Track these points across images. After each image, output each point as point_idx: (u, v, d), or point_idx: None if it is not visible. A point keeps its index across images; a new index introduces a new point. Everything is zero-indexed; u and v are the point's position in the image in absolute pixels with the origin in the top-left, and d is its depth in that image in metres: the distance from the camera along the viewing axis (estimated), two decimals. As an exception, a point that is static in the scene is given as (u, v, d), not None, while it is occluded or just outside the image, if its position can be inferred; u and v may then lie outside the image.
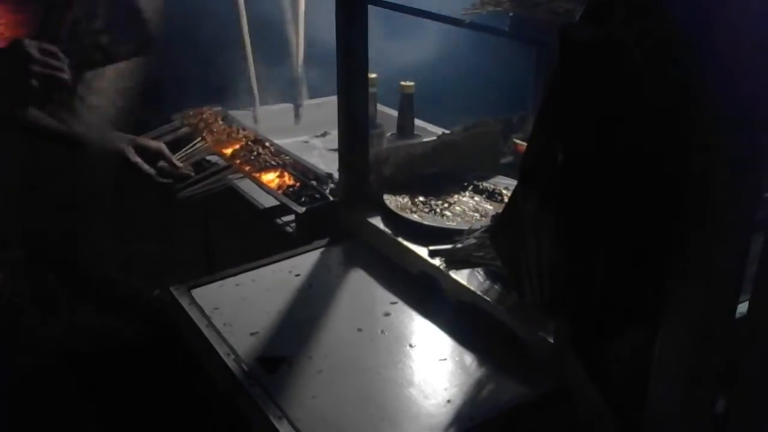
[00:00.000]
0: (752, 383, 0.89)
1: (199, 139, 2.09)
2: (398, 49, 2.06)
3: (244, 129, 2.18)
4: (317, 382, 1.17)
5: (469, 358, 1.22)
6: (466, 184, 1.69)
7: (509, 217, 0.99)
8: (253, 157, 2.00)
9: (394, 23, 1.95)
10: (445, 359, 1.22)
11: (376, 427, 1.08)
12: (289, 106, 2.54)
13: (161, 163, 1.89)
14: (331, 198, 1.76)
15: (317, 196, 1.79)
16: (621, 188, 0.81)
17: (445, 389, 1.15)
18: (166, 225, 2.17)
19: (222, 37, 2.37)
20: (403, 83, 1.99)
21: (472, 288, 1.29)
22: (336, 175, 1.79)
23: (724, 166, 0.78)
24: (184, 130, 2.15)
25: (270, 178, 1.93)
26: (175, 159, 1.93)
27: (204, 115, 2.23)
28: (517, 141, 1.84)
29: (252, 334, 1.29)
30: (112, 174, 1.88)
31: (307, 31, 2.44)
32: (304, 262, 1.54)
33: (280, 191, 1.84)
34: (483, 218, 1.54)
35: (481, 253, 1.33)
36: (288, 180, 1.90)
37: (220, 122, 2.21)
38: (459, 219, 1.55)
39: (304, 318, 1.34)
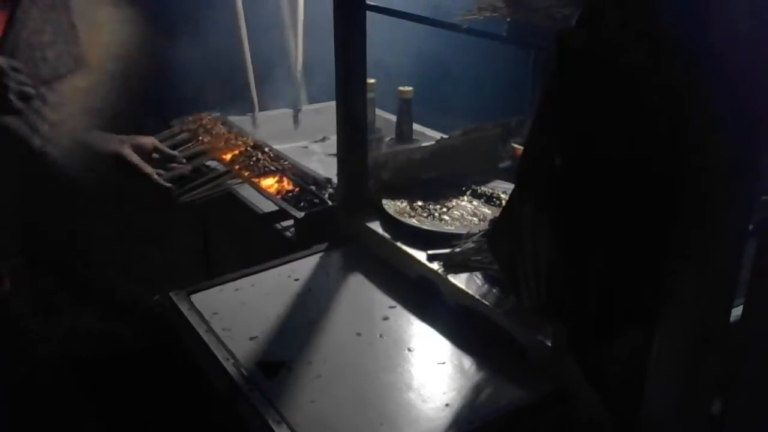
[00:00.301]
0: (748, 385, 0.89)
1: (198, 140, 2.10)
2: (396, 54, 2.07)
3: (243, 134, 2.19)
4: (316, 386, 1.17)
5: (467, 362, 1.23)
6: (464, 188, 1.70)
7: (506, 221, 0.99)
8: (252, 163, 2.00)
9: (393, 28, 1.96)
10: (444, 363, 1.23)
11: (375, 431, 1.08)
12: (288, 111, 2.54)
13: (155, 155, 1.90)
14: (330, 203, 1.77)
15: (316, 201, 1.79)
16: (617, 191, 0.82)
17: (444, 393, 1.15)
18: (166, 230, 2.17)
19: (221, 42, 2.38)
20: (401, 88, 1.99)
21: (470, 292, 1.30)
22: (335, 180, 1.79)
23: (720, 168, 0.79)
24: (183, 135, 2.15)
25: (269, 183, 1.93)
26: (167, 149, 1.94)
27: (203, 121, 2.24)
28: (516, 145, 1.84)
29: (251, 338, 1.29)
30: (111, 178, 1.88)
31: (306, 37, 2.45)
32: (303, 266, 1.54)
33: (279, 196, 1.84)
34: (481, 222, 1.54)
35: (480, 257, 1.34)
36: (287, 185, 1.91)
37: (220, 128, 2.22)
38: (457, 223, 1.55)
39: (304, 322, 1.34)
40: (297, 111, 2.54)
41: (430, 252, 1.41)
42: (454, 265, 1.37)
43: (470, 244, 1.36)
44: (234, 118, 2.36)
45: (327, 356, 1.24)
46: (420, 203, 1.62)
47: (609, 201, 0.82)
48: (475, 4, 1.36)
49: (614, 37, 0.77)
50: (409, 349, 1.26)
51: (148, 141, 1.93)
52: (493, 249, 1.08)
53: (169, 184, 1.90)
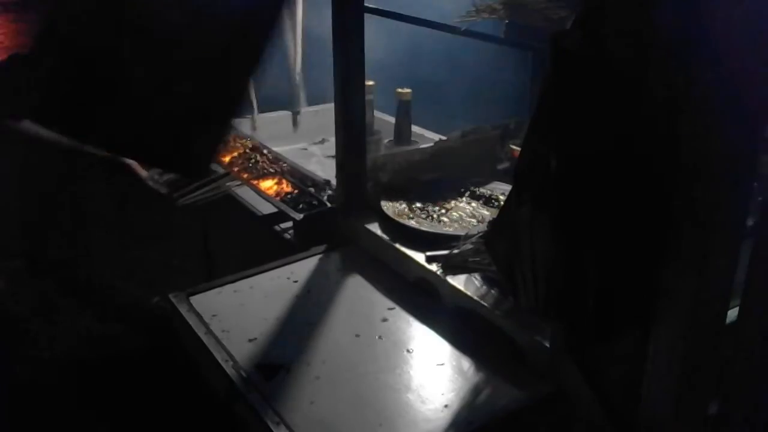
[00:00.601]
0: (744, 386, 0.90)
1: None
2: (395, 56, 2.07)
3: (242, 137, 2.19)
4: (315, 387, 1.17)
5: (466, 363, 1.23)
6: (463, 190, 1.70)
7: (504, 222, 1.00)
8: (251, 165, 2.01)
9: (391, 31, 1.96)
10: (443, 364, 1.23)
11: (373, 432, 1.08)
12: (288, 113, 2.54)
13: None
14: (329, 204, 1.77)
15: (315, 202, 1.80)
16: (614, 192, 0.82)
17: (443, 394, 1.15)
18: (166, 232, 2.17)
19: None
20: (399, 90, 2.00)
21: (469, 293, 1.30)
22: (334, 182, 1.79)
23: (716, 169, 0.79)
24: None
25: (268, 185, 1.94)
26: None
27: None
28: (514, 147, 1.84)
29: (250, 340, 1.29)
30: (111, 181, 1.89)
31: (305, 39, 2.45)
32: (302, 268, 1.54)
33: (278, 198, 1.84)
34: (480, 224, 1.55)
35: (478, 259, 1.34)
36: (286, 187, 1.91)
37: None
38: (456, 225, 1.56)
39: (302, 324, 1.34)
40: (296, 113, 2.54)
41: (428, 253, 1.42)
42: (452, 266, 1.37)
43: (469, 246, 1.37)
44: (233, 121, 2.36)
45: (326, 358, 1.24)
46: (419, 205, 1.63)
47: (605, 202, 0.82)
48: (473, 6, 1.37)
49: (609, 39, 0.77)
50: (408, 351, 1.27)
51: None
52: (491, 250, 1.09)
53: (156, 185, 1.90)
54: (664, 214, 0.82)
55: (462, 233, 1.43)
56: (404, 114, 2.03)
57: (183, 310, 1.38)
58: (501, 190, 1.69)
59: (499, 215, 1.04)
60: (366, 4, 1.49)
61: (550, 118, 0.84)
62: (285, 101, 2.53)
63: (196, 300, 1.41)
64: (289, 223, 1.76)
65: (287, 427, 1.08)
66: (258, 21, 1.05)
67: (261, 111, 2.49)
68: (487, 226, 1.42)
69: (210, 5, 1.02)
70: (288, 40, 2.48)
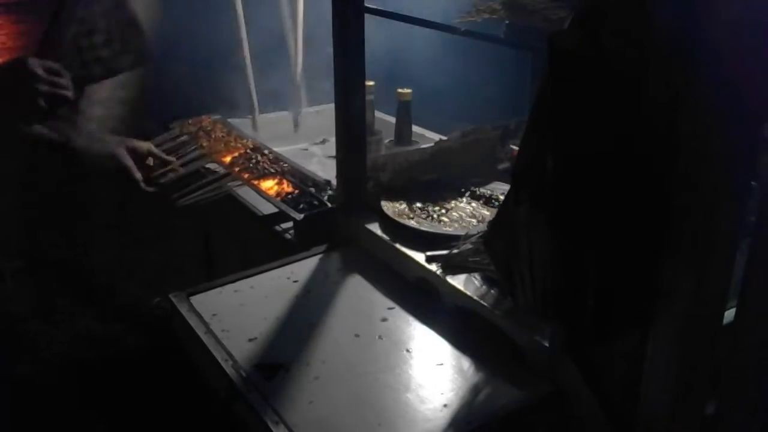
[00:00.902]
0: (741, 386, 0.90)
1: (198, 145, 2.11)
2: (396, 57, 2.08)
3: (242, 137, 2.20)
4: (314, 387, 1.17)
5: (465, 363, 1.23)
6: (463, 190, 1.70)
7: (502, 222, 1.00)
8: (251, 165, 2.01)
9: (391, 31, 1.96)
10: (442, 364, 1.23)
11: (372, 432, 1.08)
12: (288, 113, 2.55)
13: (149, 161, 1.93)
14: (329, 205, 1.77)
15: (315, 202, 1.80)
16: (611, 192, 0.82)
17: (442, 394, 1.15)
18: (166, 233, 2.18)
19: (221, 45, 2.39)
20: (400, 90, 2.00)
21: (468, 293, 1.30)
22: (334, 182, 1.80)
23: (714, 169, 0.79)
24: (183, 138, 2.16)
25: (269, 185, 1.94)
26: (164, 155, 1.95)
27: (203, 123, 2.25)
28: (514, 147, 1.84)
29: (250, 340, 1.29)
30: (112, 182, 1.89)
31: (306, 39, 2.46)
32: (303, 268, 1.55)
33: (278, 198, 1.84)
34: (480, 224, 1.55)
35: (478, 259, 1.34)
36: (286, 187, 1.91)
37: (220, 130, 2.23)
38: (456, 225, 1.56)
39: (302, 324, 1.34)
40: (297, 113, 2.54)
41: (428, 253, 1.42)
42: (452, 266, 1.37)
43: (468, 246, 1.37)
44: (234, 121, 2.37)
45: (325, 357, 1.25)
46: (419, 205, 1.63)
47: (603, 201, 0.82)
48: (473, 6, 1.37)
49: (607, 39, 0.77)
50: (408, 350, 1.27)
51: (144, 145, 1.94)
52: (489, 249, 1.09)
53: (149, 189, 1.90)
54: (661, 214, 0.82)
55: (462, 233, 1.43)
56: (405, 114, 2.03)
57: (183, 309, 1.38)
58: (501, 190, 1.69)
59: (497, 215, 1.04)
60: (366, 4, 1.49)
61: (547, 118, 0.84)
62: (286, 101, 2.54)
63: (197, 300, 1.42)
64: (290, 223, 1.76)
65: (286, 426, 1.08)
66: None
67: (262, 111, 2.49)
68: (487, 226, 1.42)
69: None
70: (289, 39, 2.49)
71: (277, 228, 1.80)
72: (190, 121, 2.25)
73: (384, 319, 1.36)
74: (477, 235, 1.38)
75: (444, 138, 1.79)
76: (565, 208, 0.85)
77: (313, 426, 1.09)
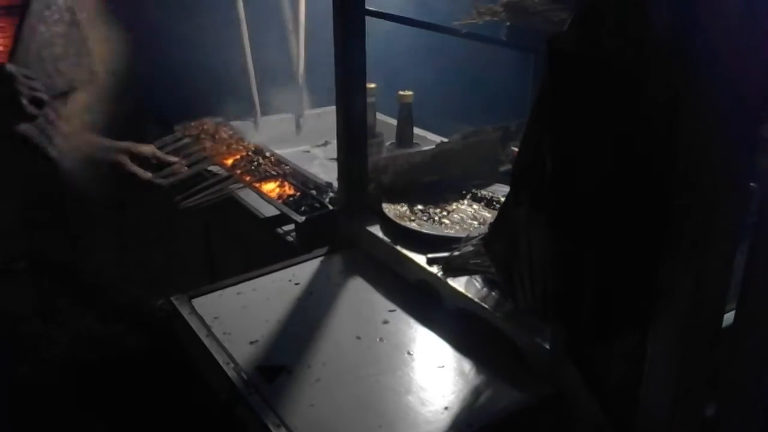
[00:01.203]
0: (740, 388, 0.90)
1: (200, 148, 2.11)
2: (397, 59, 2.08)
3: (244, 139, 2.20)
4: (316, 390, 1.17)
5: (467, 365, 1.23)
6: (464, 192, 1.70)
7: (502, 223, 1.00)
8: (253, 167, 2.01)
9: (393, 33, 1.96)
10: (443, 366, 1.23)
11: (373, 434, 1.08)
12: (291, 116, 2.55)
13: (154, 162, 1.94)
14: (331, 207, 1.77)
15: (317, 205, 1.80)
16: (611, 193, 0.82)
17: (443, 396, 1.15)
18: (168, 235, 2.19)
19: (223, 47, 2.39)
20: (401, 92, 2.00)
21: (469, 295, 1.30)
22: (336, 185, 1.80)
23: (714, 170, 0.79)
24: (186, 141, 2.16)
25: (270, 187, 1.95)
26: (166, 156, 1.97)
27: (205, 126, 2.25)
28: (516, 149, 1.85)
29: (251, 342, 1.29)
30: (113, 184, 1.90)
31: (308, 41, 2.46)
32: (304, 270, 1.55)
33: (280, 201, 1.85)
34: (481, 226, 1.55)
35: (479, 261, 1.34)
36: (288, 189, 1.92)
37: (222, 133, 2.23)
38: (457, 227, 1.56)
39: (304, 326, 1.35)
40: (299, 116, 2.55)
41: (429, 255, 1.42)
42: (453, 268, 1.37)
43: (469, 248, 1.37)
44: (236, 123, 2.37)
45: (327, 360, 1.25)
46: (420, 207, 1.63)
47: (602, 202, 0.82)
48: (474, 8, 1.37)
49: (606, 39, 0.77)
50: (409, 353, 1.27)
51: (148, 149, 1.95)
52: (489, 251, 1.09)
53: (161, 181, 1.91)
54: (661, 214, 0.82)
55: (463, 235, 1.43)
56: (406, 116, 2.03)
57: (185, 312, 1.38)
58: (502, 192, 1.69)
59: (497, 216, 1.04)
60: (367, 7, 1.49)
61: (546, 119, 0.85)
62: (288, 104, 2.54)
63: (198, 302, 1.42)
64: (291, 226, 1.76)
65: (288, 429, 1.08)
66: None
67: (264, 114, 2.50)
68: (487, 228, 1.42)
69: None
70: (291, 42, 2.49)
71: (279, 230, 1.80)
72: (192, 124, 2.25)
73: (385, 322, 1.36)
74: (478, 237, 1.38)
75: (445, 140, 1.79)
76: (564, 209, 0.85)
77: (314, 428, 1.09)
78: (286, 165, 2.04)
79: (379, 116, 2.19)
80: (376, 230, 1.56)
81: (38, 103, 1.62)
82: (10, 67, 1.60)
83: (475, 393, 1.16)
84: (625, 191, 0.82)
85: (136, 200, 2.04)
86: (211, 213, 1.98)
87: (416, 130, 2.08)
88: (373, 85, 1.94)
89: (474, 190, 1.70)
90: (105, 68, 1.90)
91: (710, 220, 0.80)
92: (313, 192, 1.87)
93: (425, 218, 1.59)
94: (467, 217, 1.60)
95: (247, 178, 1.97)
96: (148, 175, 1.90)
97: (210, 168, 2.06)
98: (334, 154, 1.67)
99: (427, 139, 2.13)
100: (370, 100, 1.84)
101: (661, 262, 0.84)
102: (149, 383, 1.82)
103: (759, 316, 0.84)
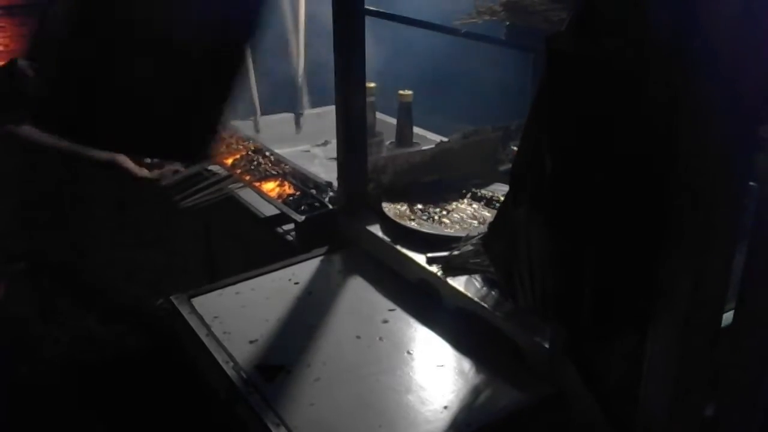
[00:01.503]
0: (739, 387, 0.90)
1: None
2: (397, 58, 2.08)
3: (244, 139, 2.20)
4: (315, 389, 1.18)
5: (466, 365, 1.23)
6: (464, 191, 1.70)
7: (501, 223, 1.00)
8: (253, 167, 2.02)
9: (393, 33, 1.97)
10: (443, 366, 1.23)
11: (373, 434, 1.08)
12: (290, 115, 2.55)
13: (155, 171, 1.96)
14: (331, 206, 1.78)
15: (317, 204, 1.80)
16: (609, 193, 0.82)
17: (443, 395, 1.16)
18: (169, 234, 2.18)
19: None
20: (401, 92, 2.00)
21: (469, 295, 1.30)
22: (335, 184, 1.80)
23: (713, 169, 0.79)
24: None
25: (270, 187, 1.95)
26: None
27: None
28: (515, 148, 1.85)
29: (251, 342, 1.30)
30: (112, 184, 1.91)
31: (308, 41, 2.46)
32: (304, 270, 1.55)
33: (280, 200, 1.85)
34: (481, 225, 1.55)
35: (479, 260, 1.34)
36: (288, 189, 1.92)
37: (221, 132, 2.23)
38: (457, 226, 1.56)
39: (303, 326, 1.35)
40: (299, 115, 2.55)
41: (429, 255, 1.42)
42: (453, 267, 1.37)
43: (469, 247, 1.37)
44: (236, 123, 2.37)
45: (326, 359, 1.25)
46: (420, 206, 1.63)
47: (601, 202, 0.82)
48: (474, 8, 1.37)
49: (605, 40, 0.77)
50: (409, 352, 1.27)
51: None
52: (489, 251, 1.09)
53: (152, 177, 1.93)
54: (660, 214, 0.82)
55: (463, 235, 1.43)
56: (406, 116, 2.03)
57: (185, 311, 1.38)
58: (502, 191, 1.69)
59: (496, 216, 1.04)
60: (367, 6, 1.49)
61: (545, 119, 0.85)
62: (288, 103, 2.54)
63: (198, 302, 1.42)
64: (291, 225, 1.76)
65: (287, 428, 1.09)
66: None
67: (264, 113, 2.50)
68: (487, 227, 1.42)
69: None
70: (291, 41, 2.49)
71: (279, 230, 1.80)
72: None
73: (385, 321, 1.36)
74: (478, 237, 1.38)
75: (445, 139, 1.79)
76: (563, 209, 0.85)
77: (313, 427, 1.09)
78: (286, 164, 2.04)
79: (379, 116, 2.19)
80: (375, 230, 1.56)
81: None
82: (23, 63, 1.60)
83: (475, 392, 1.16)
84: (624, 191, 0.82)
85: (136, 200, 2.04)
86: (210, 212, 1.98)
87: (416, 130, 2.08)
88: (372, 85, 1.94)
89: (474, 190, 1.70)
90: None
91: (709, 219, 0.80)
92: (313, 191, 1.87)
93: (425, 218, 1.59)
94: (467, 216, 1.60)
95: (247, 178, 1.97)
96: (144, 171, 1.91)
97: (210, 167, 2.06)
98: (334, 154, 1.67)
99: (427, 138, 2.13)
100: (370, 99, 1.85)
101: (661, 261, 0.84)
102: (149, 383, 1.82)
103: (758, 316, 0.84)
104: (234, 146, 2.14)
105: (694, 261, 0.82)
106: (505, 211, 0.98)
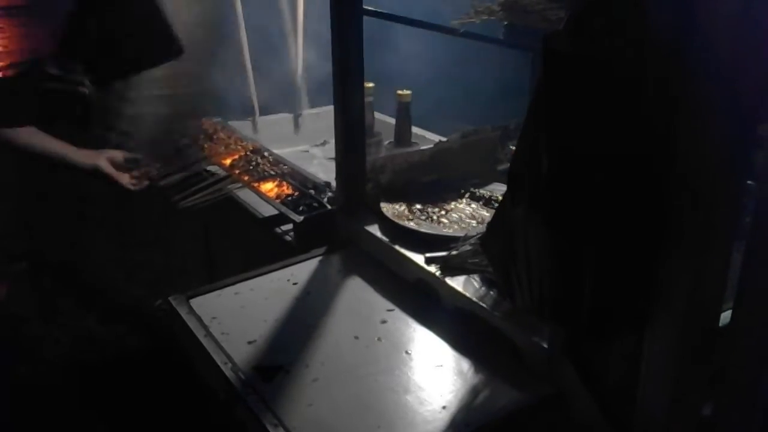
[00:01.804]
0: (737, 387, 0.90)
1: (199, 147, 2.12)
2: (395, 58, 2.08)
3: (243, 139, 2.20)
4: (314, 389, 1.17)
5: (465, 365, 1.23)
6: (463, 191, 1.70)
7: (499, 222, 1.00)
8: (252, 167, 2.02)
9: (391, 33, 1.96)
10: (442, 366, 1.23)
11: (371, 434, 1.08)
12: (289, 115, 2.55)
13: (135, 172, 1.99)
14: (329, 207, 1.77)
15: (315, 204, 1.80)
16: (607, 193, 0.82)
17: (441, 396, 1.15)
18: (167, 235, 2.19)
19: (221, 47, 2.39)
20: (400, 92, 2.00)
21: (467, 294, 1.30)
22: (334, 184, 1.80)
23: (711, 169, 0.79)
24: (184, 141, 2.16)
25: (269, 187, 1.94)
26: (133, 155, 2.01)
27: (204, 126, 2.25)
28: (514, 148, 1.84)
29: (249, 342, 1.29)
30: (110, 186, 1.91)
31: (306, 41, 2.46)
32: (302, 270, 1.55)
33: (278, 200, 1.85)
34: (479, 225, 1.55)
35: (477, 260, 1.34)
36: (286, 189, 1.92)
37: (220, 132, 2.23)
38: (456, 226, 1.56)
39: (302, 326, 1.35)
40: (297, 115, 2.55)
41: (428, 255, 1.42)
42: (451, 267, 1.37)
43: (468, 247, 1.37)
44: (234, 123, 2.37)
45: (325, 359, 1.25)
46: (418, 206, 1.63)
47: (599, 202, 0.82)
48: (471, 7, 1.37)
49: (603, 40, 0.77)
50: (407, 352, 1.27)
51: (118, 154, 1.99)
52: (487, 251, 1.09)
53: (133, 187, 1.94)
54: (659, 214, 0.82)
55: (461, 235, 1.43)
56: (404, 115, 2.03)
57: (183, 312, 1.38)
58: (501, 191, 1.68)
59: (494, 216, 1.04)
60: (365, 6, 1.49)
61: (542, 119, 0.84)
62: (286, 103, 2.54)
63: (196, 302, 1.42)
64: (290, 225, 1.76)
65: (285, 429, 1.08)
66: None
67: (262, 113, 2.50)
68: (485, 227, 1.42)
69: None
70: (289, 41, 2.49)
71: (277, 230, 1.80)
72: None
73: (383, 321, 1.36)
74: (476, 237, 1.38)
75: (443, 139, 1.79)
76: (561, 209, 0.85)
77: (312, 428, 1.09)
78: (285, 165, 2.04)
79: (378, 115, 2.19)
80: (374, 230, 1.56)
81: (75, 97, 1.64)
82: (44, 61, 1.60)
83: (474, 392, 1.16)
84: (622, 191, 0.81)
85: (136, 200, 2.04)
86: (209, 213, 1.98)
87: (414, 130, 2.08)
88: (371, 84, 1.94)
89: (472, 189, 1.70)
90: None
91: (708, 219, 0.80)
92: (312, 191, 1.87)
93: (423, 217, 1.59)
94: (465, 216, 1.60)
95: (246, 178, 1.97)
96: (125, 178, 1.93)
97: (208, 168, 2.06)
98: (333, 154, 1.67)
99: (426, 138, 2.13)
100: (368, 99, 1.84)
101: (659, 261, 0.84)
102: (149, 383, 1.82)
103: (757, 315, 0.84)
104: (232, 146, 2.13)
105: (693, 261, 0.82)
106: (502, 211, 0.98)
